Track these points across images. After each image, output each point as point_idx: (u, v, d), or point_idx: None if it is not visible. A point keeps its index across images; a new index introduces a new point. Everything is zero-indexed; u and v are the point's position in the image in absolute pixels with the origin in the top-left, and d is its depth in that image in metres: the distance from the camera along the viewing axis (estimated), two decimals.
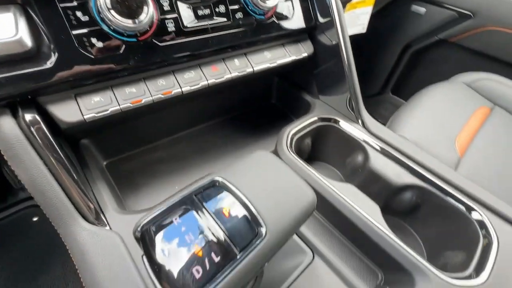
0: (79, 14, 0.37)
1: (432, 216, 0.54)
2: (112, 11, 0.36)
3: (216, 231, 0.23)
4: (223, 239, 0.23)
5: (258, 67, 0.55)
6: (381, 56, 1.53)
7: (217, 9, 0.48)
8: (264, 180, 0.27)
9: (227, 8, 0.49)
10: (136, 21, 0.38)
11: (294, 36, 0.62)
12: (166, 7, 0.43)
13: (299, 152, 0.61)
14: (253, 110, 0.81)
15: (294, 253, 0.39)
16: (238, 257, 0.22)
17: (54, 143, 0.38)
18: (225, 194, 0.26)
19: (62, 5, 0.36)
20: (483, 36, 1.19)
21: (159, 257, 0.22)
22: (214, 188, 0.27)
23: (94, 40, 0.38)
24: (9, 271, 0.99)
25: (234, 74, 0.52)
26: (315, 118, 0.64)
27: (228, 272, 0.22)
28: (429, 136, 0.86)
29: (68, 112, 0.39)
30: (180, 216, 0.24)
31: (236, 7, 0.50)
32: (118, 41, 0.40)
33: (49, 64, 0.36)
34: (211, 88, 0.51)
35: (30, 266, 1.02)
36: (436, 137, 0.86)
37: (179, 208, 0.25)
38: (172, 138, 0.69)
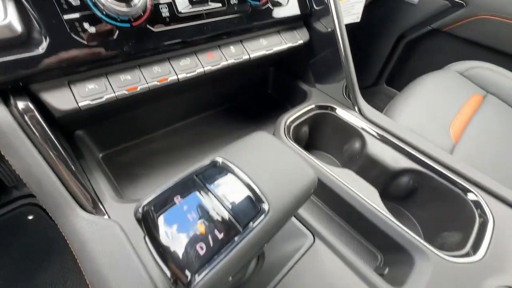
0: None
1: (428, 199, 0.54)
2: None
3: (218, 209, 0.23)
4: (226, 217, 0.23)
5: (254, 54, 0.55)
6: (375, 47, 1.54)
7: None
8: (264, 159, 0.27)
9: None
10: (131, 4, 0.37)
11: (289, 23, 0.62)
12: None
13: (297, 140, 0.62)
14: (250, 101, 0.80)
15: (295, 236, 0.40)
16: (241, 233, 0.22)
17: (48, 131, 0.37)
18: (226, 173, 0.26)
19: None
20: (476, 24, 1.20)
21: (163, 237, 0.22)
22: (215, 168, 0.26)
23: (86, 25, 0.37)
24: (7, 270, 0.98)
25: (230, 61, 0.52)
26: (312, 106, 0.64)
27: (231, 248, 0.22)
28: (424, 123, 0.87)
29: (62, 99, 0.38)
30: (181, 195, 0.24)
31: None
32: (111, 26, 0.39)
33: (41, 50, 0.35)
34: (208, 75, 0.50)
35: (28, 265, 1.01)
36: (430, 124, 0.87)
37: (180, 188, 0.25)
38: (169, 129, 0.68)
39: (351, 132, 0.62)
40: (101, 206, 0.41)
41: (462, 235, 0.46)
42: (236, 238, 0.22)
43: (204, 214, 0.23)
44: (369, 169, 0.57)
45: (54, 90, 0.38)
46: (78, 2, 0.37)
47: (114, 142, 0.61)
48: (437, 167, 0.52)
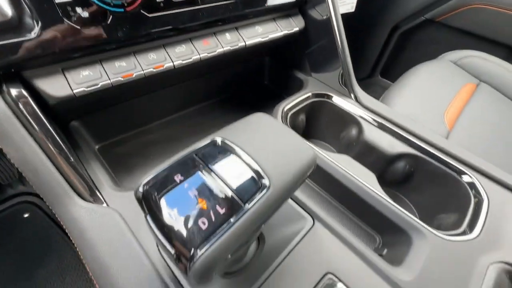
0: None
1: (424, 183, 0.55)
2: None
3: (219, 186, 0.23)
4: (227, 193, 0.23)
5: (250, 41, 0.54)
6: (369, 38, 1.54)
7: None
8: (263, 137, 0.27)
9: None
10: None
11: (284, 10, 0.61)
12: None
13: (294, 128, 0.62)
14: (246, 92, 0.80)
15: (295, 220, 0.40)
16: (242, 208, 0.22)
17: (43, 119, 0.37)
18: (225, 151, 0.26)
19: None
20: (469, 14, 1.21)
21: (165, 216, 0.22)
22: (214, 147, 0.26)
23: (79, 10, 0.37)
24: (4, 269, 0.97)
25: (226, 48, 0.51)
26: (309, 94, 0.64)
27: (233, 222, 0.22)
28: (419, 112, 0.88)
29: (56, 86, 0.38)
30: (181, 173, 0.24)
31: None
32: (104, 11, 0.38)
33: (33, 34, 0.34)
34: (204, 62, 0.50)
35: (25, 263, 1.00)
36: (425, 112, 0.88)
37: (180, 166, 0.25)
38: (165, 120, 0.68)
39: (348, 120, 0.62)
40: (99, 195, 0.41)
41: (458, 215, 0.46)
42: (237, 213, 0.22)
43: (205, 191, 0.23)
44: (366, 155, 0.58)
45: (48, 77, 0.38)
46: None
47: (110, 134, 0.60)
48: (432, 151, 0.53)
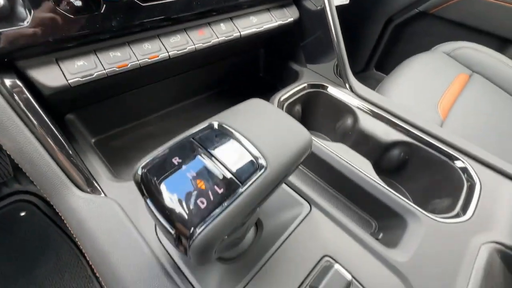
0: None
1: (419, 170, 0.56)
2: None
3: (217, 167, 0.23)
4: (225, 174, 0.23)
5: (245, 32, 0.54)
6: (364, 32, 1.55)
7: None
8: (259, 120, 0.28)
9: None
10: None
11: (279, 1, 0.61)
12: None
13: None
14: (241, 84, 0.80)
15: (292, 206, 0.40)
16: (240, 188, 0.23)
17: (38, 109, 0.37)
18: (223, 134, 0.26)
19: None
20: (461, 6, 1.22)
21: (166, 198, 0.22)
22: (211, 130, 0.27)
23: None
24: (4, 268, 0.97)
25: (221, 38, 0.51)
26: (305, 85, 0.64)
27: (231, 202, 0.22)
28: (413, 102, 0.89)
29: (50, 76, 0.37)
30: (179, 156, 0.24)
31: None
32: None
33: (25, 23, 0.34)
34: (199, 53, 0.50)
35: (23, 261, 1.00)
36: (419, 102, 0.89)
37: (178, 149, 0.25)
38: (161, 113, 0.67)
39: (343, 109, 0.63)
40: (97, 185, 0.41)
41: (452, 200, 0.47)
42: (235, 193, 0.23)
43: (204, 172, 0.23)
44: (362, 144, 0.59)
45: (42, 67, 0.37)
46: None
47: (106, 127, 0.60)
48: (426, 138, 0.53)
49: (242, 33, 0.54)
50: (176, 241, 0.22)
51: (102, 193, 0.40)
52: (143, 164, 0.24)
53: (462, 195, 0.46)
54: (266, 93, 0.76)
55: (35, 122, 0.36)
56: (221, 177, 0.23)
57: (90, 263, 0.36)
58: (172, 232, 0.22)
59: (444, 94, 0.95)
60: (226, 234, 0.23)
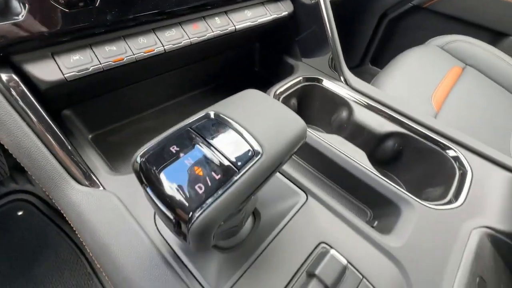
0: None
1: (412, 160, 0.57)
2: None
3: (213, 154, 0.24)
4: (222, 160, 0.24)
5: (239, 25, 0.55)
6: (359, 26, 1.55)
7: None
8: (255, 109, 0.28)
9: None
10: None
11: None
12: None
13: None
14: (237, 78, 0.80)
15: (289, 196, 0.41)
16: (237, 174, 0.23)
17: (35, 103, 0.37)
18: (219, 122, 0.26)
19: None
20: None
21: (165, 186, 0.23)
22: (208, 120, 0.27)
23: None
24: (2, 268, 0.97)
25: (216, 32, 0.51)
26: (300, 78, 0.65)
27: (228, 187, 0.23)
28: (407, 94, 0.90)
29: (46, 71, 0.38)
30: (177, 144, 0.25)
31: None
32: None
33: (20, 17, 0.34)
34: (194, 47, 0.50)
35: (22, 261, 1.00)
36: (413, 95, 0.90)
37: (176, 138, 0.26)
38: (158, 108, 0.68)
39: (338, 102, 0.63)
40: (95, 179, 0.41)
41: (444, 188, 0.49)
42: (232, 178, 0.23)
43: (201, 159, 0.24)
44: (357, 135, 0.59)
45: (38, 61, 0.37)
46: None
47: (103, 122, 0.60)
48: (419, 129, 0.54)
49: (237, 27, 0.54)
50: (176, 227, 0.23)
51: (100, 186, 0.41)
52: (141, 153, 0.25)
53: (454, 183, 0.47)
54: (262, 87, 0.77)
55: (32, 116, 0.36)
56: (218, 163, 0.24)
57: (91, 254, 0.37)
58: (172, 217, 0.23)
59: (438, 87, 0.96)
60: (224, 219, 0.24)
